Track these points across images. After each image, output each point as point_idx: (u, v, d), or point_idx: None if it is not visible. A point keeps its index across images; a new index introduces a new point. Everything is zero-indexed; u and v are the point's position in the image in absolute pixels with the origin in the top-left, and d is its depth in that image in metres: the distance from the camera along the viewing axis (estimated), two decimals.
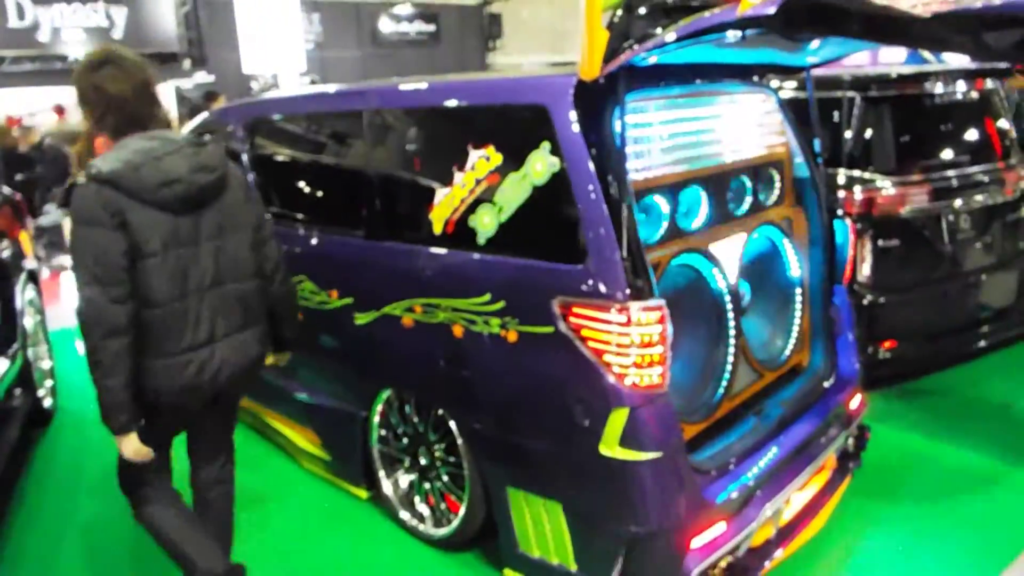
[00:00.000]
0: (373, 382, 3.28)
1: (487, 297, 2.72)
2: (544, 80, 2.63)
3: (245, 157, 3.88)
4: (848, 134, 4.36)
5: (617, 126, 2.45)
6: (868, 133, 4.37)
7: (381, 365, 3.23)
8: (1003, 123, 4.91)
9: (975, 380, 4.52)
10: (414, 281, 2.99)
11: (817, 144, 3.47)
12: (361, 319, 3.24)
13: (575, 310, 2.46)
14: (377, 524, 3.36)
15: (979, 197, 4.61)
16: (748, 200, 3.24)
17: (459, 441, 2.94)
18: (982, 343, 4.75)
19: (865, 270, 4.27)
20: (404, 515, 3.28)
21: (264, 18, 11.57)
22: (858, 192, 4.26)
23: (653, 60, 2.46)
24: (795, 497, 3.09)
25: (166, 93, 12.06)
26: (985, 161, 4.74)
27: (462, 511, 3.02)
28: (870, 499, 3.37)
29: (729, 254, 3.10)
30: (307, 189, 3.69)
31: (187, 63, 12.57)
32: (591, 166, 2.43)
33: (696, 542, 2.52)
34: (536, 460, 2.70)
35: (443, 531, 3.13)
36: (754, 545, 2.82)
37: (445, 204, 2.85)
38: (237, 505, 2.80)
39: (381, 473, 3.37)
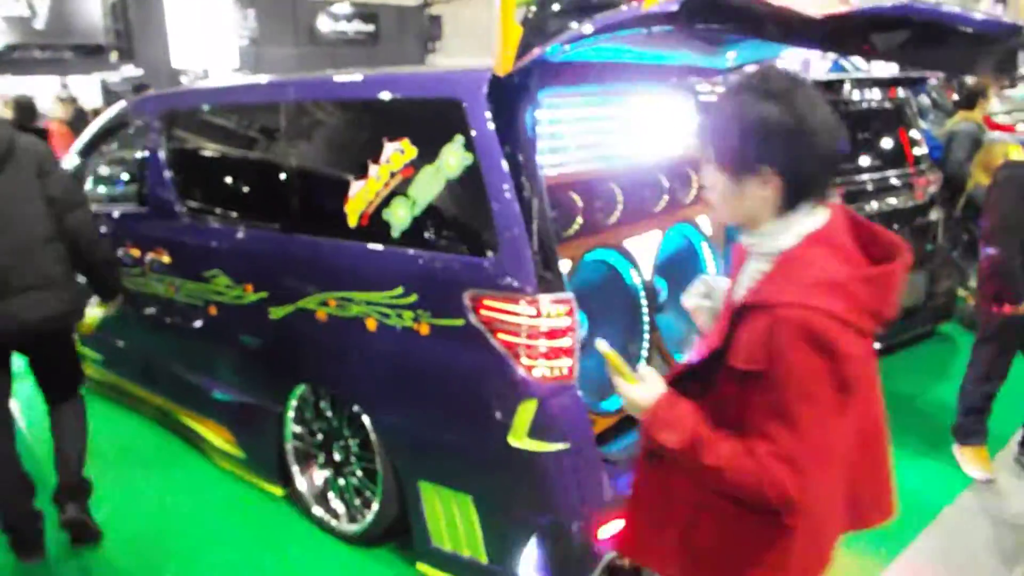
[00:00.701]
0: (288, 377, 3.23)
1: (400, 290, 2.71)
2: (459, 75, 2.64)
3: (161, 149, 3.78)
4: None
5: (530, 122, 2.48)
6: None
7: (296, 360, 3.18)
8: (914, 131, 5.13)
9: (883, 376, 4.68)
10: (328, 275, 2.96)
11: None
12: (276, 313, 3.18)
13: (485, 302, 2.47)
14: (292, 521, 3.30)
15: (890, 201, 4.81)
16: (664, 198, 3.30)
17: (372, 436, 2.92)
18: (887, 342, 4.94)
19: None
20: (318, 511, 3.24)
21: (195, 12, 11.30)
22: None
23: (565, 57, 2.49)
24: None
25: (90, 86, 11.68)
26: (896, 167, 4.95)
27: (375, 506, 2.99)
28: None
29: (644, 251, 3.16)
30: (222, 182, 3.61)
31: (114, 56, 12.18)
32: (503, 161, 2.44)
33: (605, 532, 2.55)
34: (447, 453, 2.70)
35: (357, 527, 3.09)
36: None
37: (360, 197, 2.83)
38: (146, 503, 2.75)
39: (295, 469, 3.32)
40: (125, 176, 4.31)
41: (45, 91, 11.07)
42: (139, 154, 3.95)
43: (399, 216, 2.72)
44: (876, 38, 1.98)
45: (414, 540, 2.89)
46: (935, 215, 5.11)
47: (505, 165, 2.44)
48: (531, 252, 2.40)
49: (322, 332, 3.00)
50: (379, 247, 2.78)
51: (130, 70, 12.15)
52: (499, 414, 2.48)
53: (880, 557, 2.98)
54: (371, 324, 2.82)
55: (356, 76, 2.98)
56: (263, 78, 3.48)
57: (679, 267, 3.51)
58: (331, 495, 3.24)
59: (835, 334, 1.31)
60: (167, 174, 3.73)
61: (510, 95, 2.48)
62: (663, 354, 3.24)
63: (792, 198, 1.41)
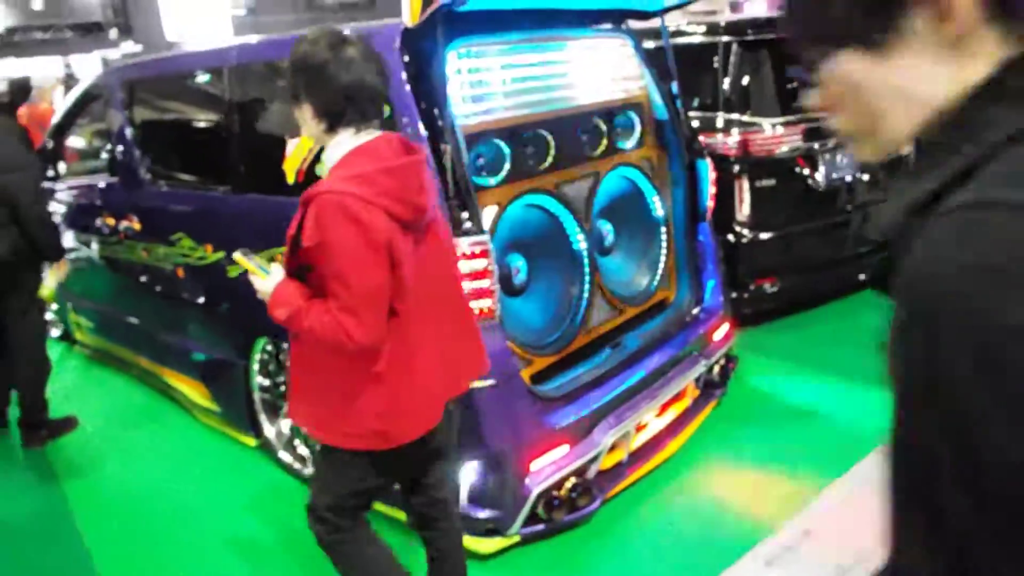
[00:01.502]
0: (249, 332, 3.38)
1: None
2: (374, 28, 2.71)
3: (124, 118, 3.92)
4: (725, 79, 4.49)
5: (443, 71, 2.56)
6: (744, 77, 4.51)
7: (254, 314, 3.30)
8: None
9: (851, 311, 4.75)
10: (275, 231, 3.06)
11: (675, 87, 3.60)
12: (233, 271, 3.32)
13: None
14: (264, 469, 3.49)
15: None
16: (604, 142, 3.36)
17: None
18: (861, 276, 4.98)
19: (744, 210, 4.44)
20: (286, 457, 3.42)
21: None
22: (735, 135, 4.41)
23: (475, 5, 2.56)
24: (653, 422, 3.29)
25: (92, 64, 11.85)
26: None
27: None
28: (731, 422, 3.57)
29: (582, 194, 3.24)
30: (179, 147, 3.75)
31: (113, 32, 12.32)
32: (416, 111, 2.53)
33: (536, 464, 2.69)
34: None
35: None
36: (604, 468, 3.00)
37: (295, 155, 2.94)
38: (137, 460, 3.05)
39: (263, 419, 3.49)
40: (99, 147, 4.47)
41: (49, 72, 11.27)
42: (107, 125, 4.10)
43: (326, 171, 2.82)
44: None
45: None
46: (904, 148, 5.07)
47: (418, 115, 2.53)
48: (447, 198, 2.50)
49: None
50: None
51: (129, 46, 12.29)
52: None
53: (816, 482, 3.08)
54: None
55: (285, 36, 3.06)
56: (211, 44, 3.57)
57: (625, 210, 3.58)
58: (297, 442, 3.41)
59: (358, 208, 1.75)
60: (130, 142, 3.87)
61: (421, 46, 2.56)
62: (605, 295, 3.34)
63: (331, 123, 1.88)
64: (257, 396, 3.48)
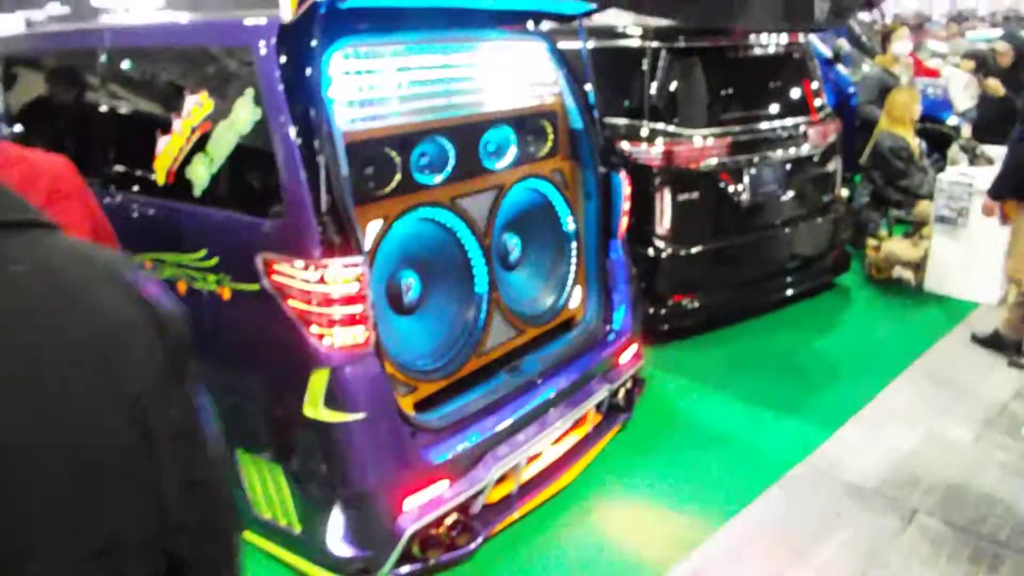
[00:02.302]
0: None
1: (203, 252, 2.58)
2: (252, 22, 2.46)
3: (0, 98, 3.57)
4: (652, 86, 4.34)
5: (322, 73, 2.33)
6: (672, 85, 4.37)
7: None
8: (814, 79, 4.99)
9: (769, 330, 4.68)
10: (144, 234, 2.82)
11: (592, 95, 3.43)
12: None
13: (275, 267, 2.36)
14: None
15: (782, 152, 4.71)
16: (512, 152, 3.17)
17: None
18: (783, 294, 4.92)
19: (665, 223, 4.32)
20: None
21: None
22: (659, 145, 4.26)
23: (359, 3, 2.33)
24: (549, 451, 3.13)
25: (15, 24, 11.14)
26: (792, 115, 4.83)
27: None
28: (633, 449, 3.44)
29: (483, 208, 3.04)
30: (52, 134, 3.41)
31: None
32: (288, 116, 2.30)
33: (410, 502, 2.51)
34: (255, 423, 2.62)
35: None
36: (491, 501, 2.84)
37: (166, 153, 2.68)
38: None
39: None
40: None
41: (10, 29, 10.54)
42: None
43: (199, 174, 2.57)
44: None
45: (239, 508, 2.83)
46: (833, 165, 5.02)
47: (290, 120, 2.29)
48: (316, 214, 2.28)
49: None
50: (183, 207, 2.64)
51: (55, 8, 11.61)
52: (294, 384, 2.40)
53: (713, 517, 2.97)
54: (182, 287, 2.69)
55: (162, 22, 2.79)
56: (90, 24, 3.26)
57: (534, 224, 3.40)
58: None
59: None
60: (3, 123, 3.53)
61: (299, 44, 2.32)
62: (506, 314, 3.15)
63: None
64: None
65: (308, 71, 2.31)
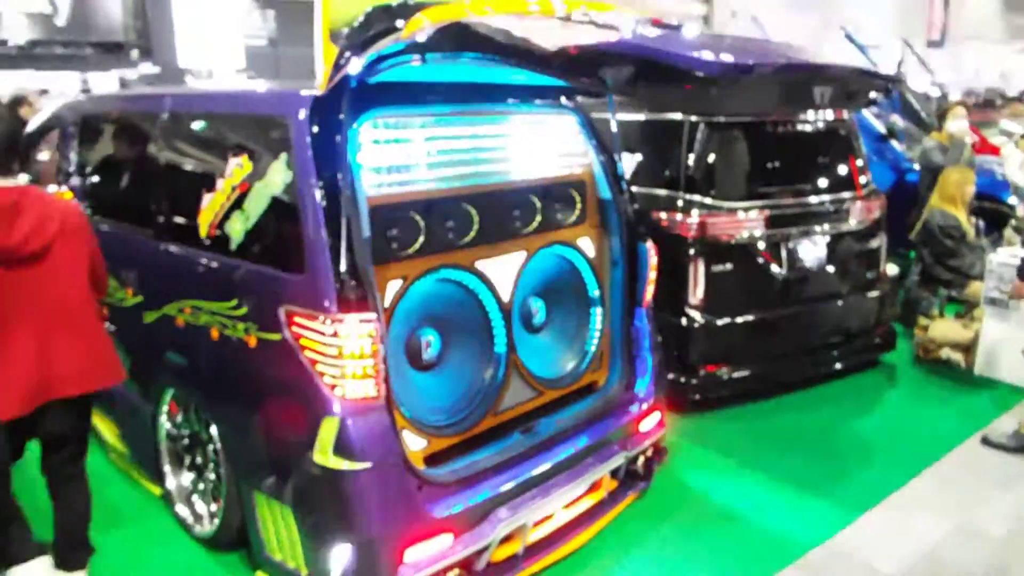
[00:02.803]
0: (159, 380, 3.31)
1: (234, 302, 2.77)
2: (289, 93, 2.68)
3: (74, 153, 3.92)
4: (690, 158, 4.43)
5: (349, 142, 2.51)
6: (710, 158, 4.44)
7: (163, 363, 3.26)
8: (859, 154, 5.00)
9: (805, 406, 4.59)
10: (185, 283, 3.04)
11: (620, 167, 3.54)
12: (148, 317, 3.27)
13: (295, 319, 2.51)
14: (161, 520, 3.38)
15: (823, 226, 4.70)
16: (537, 219, 3.28)
17: (215, 443, 2.98)
18: (821, 370, 4.84)
19: (698, 293, 4.34)
20: (181, 511, 3.31)
21: (204, 12, 11.62)
22: (694, 216, 4.32)
23: (384, 78, 2.51)
24: (560, 513, 3.15)
25: (110, 82, 12.08)
26: (834, 190, 4.83)
27: (219, 512, 3.05)
28: (649, 520, 3.42)
29: (505, 272, 3.15)
30: (113, 187, 3.72)
31: (134, 53, 12.59)
32: (314, 179, 2.48)
33: (412, 553, 2.57)
34: (271, 465, 2.75)
35: (208, 530, 3.16)
36: (496, 560, 2.87)
37: (209, 209, 2.90)
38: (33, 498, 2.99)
39: (167, 469, 3.39)
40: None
41: (66, 87, 11.50)
42: (60, 154, 4.10)
43: (236, 229, 2.77)
44: (606, 72, 1.97)
45: (252, 547, 2.94)
46: (877, 242, 4.97)
47: (315, 183, 2.47)
48: (334, 271, 2.42)
49: (180, 338, 3.08)
50: (221, 259, 2.84)
51: (148, 67, 12.54)
52: (305, 430, 2.52)
53: None
54: (215, 333, 2.88)
55: (209, 90, 3.05)
56: (152, 89, 3.57)
57: (560, 289, 3.49)
58: (195, 498, 3.30)
59: None
60: (76, 178, 3.86)
61: (330, 115, 2.51)
62: (524, 375, 3.22)
63: None
64: (163, 445, 3.39)
65: (336, 139, 2.49)
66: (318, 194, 2.47)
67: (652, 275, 3.61)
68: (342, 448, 2.47)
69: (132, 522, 3.40)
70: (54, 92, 9.91)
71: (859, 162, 4.97)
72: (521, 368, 3.22)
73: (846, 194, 4.85)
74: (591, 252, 3.53)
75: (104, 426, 3.87)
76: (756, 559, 3.15)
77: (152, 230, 3.26)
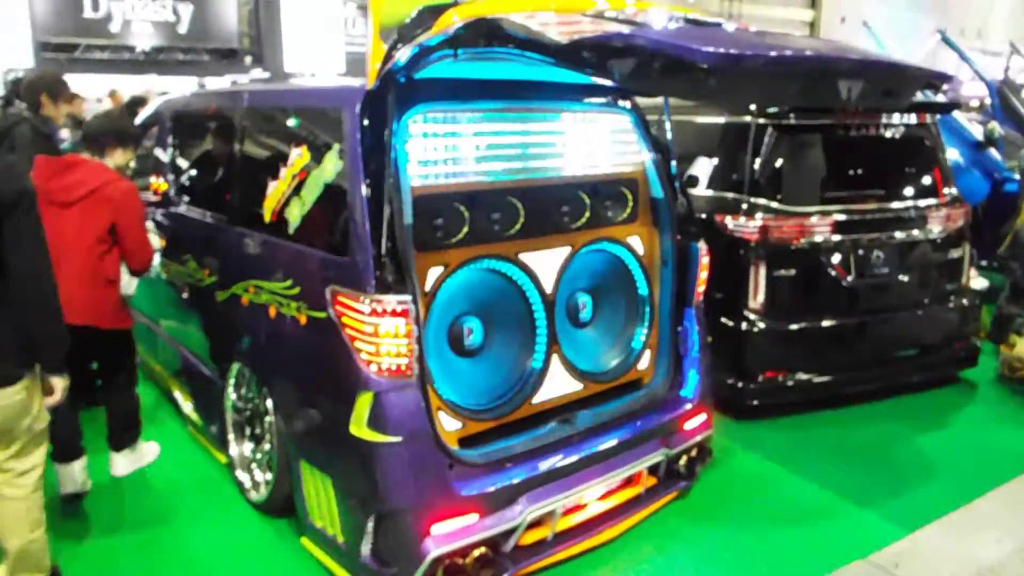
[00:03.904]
0: (227, 355, 3.56)
1: (289, 282, 2.97)
2: (344, 88, 2.86)
3: (168, 146, 4.27)
4: (756, 161, 4.37)
5: (396, 133, 2.66)
6: (778, 162, 4.37)
7: (231, 339, 3.51)
8: (941, 160, 4.79)
9: (870, 418, 4.43)
10: (250, 264, 3.28)
11: (674, 167, 3.56)
12: (220, 296, 3.53)
13: (339, 298, 2.68)
14: (224, 486, 3.63)
15: (897, 234, 4.53)
16: (585, 215, 3.35)
17: (269, 415, 3.19)
18: (892, 382, 4.66)
19: (759, 297, 4.28)
20: (240, 476, 3.54)
21: (310, 20, 12.23)
22: (757, 219, 4.27)
23: (429, 73, 2.65)
24: (593, 505, 3.20)
25: (223, 85, 12.89)
26: (912, 198, 4.65)
27: (271, 480, 3.26)
28: (688, 519, 3.41)
29: (549, 265, 3.23)
30: (199, 176, 4.03)
31: (248, 59, 13.38)
32: (361, 168, 2.64)
33: (438, 528, 2.68)
34: (315, 436, 2.93)
35: (261, 496, 3.38)
36: (524, 543, 2.94)
37: (273, 196, 3.12)
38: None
39: (231, 439, 3.64)
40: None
41: (185, 90, 12.30)
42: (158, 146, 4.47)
43: (294, 214, 2.97)
44: (613, 64, 2.01)
45: (298, 514, 3.13)
46: (959, 252, 4.75)
47: (364, 173, 2.63)
48: (374, 254, 2.57)
49: (245, 316, 3.32)
50: (280, 242, 3.05)
51: (259, 73, 13.32)
52: (344, 403, 2.67)
53: None
54: (272, 312, 3.09)
55: (275, 86, 3.28)
56: (233, 87, 3.85)
57: (609, 285, 3.54)
58: (253, 466, 3.54)
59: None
60: (167, 165, 4.20)
61: (379, 108, 2.67)
62: (567, 367, 3.29)
63: None
64: (229, 416, 3.64)
65: (385, 132, 2.64)
66: (364, 182, 2.63)
67: (703, 275, 3.60)
68: (375, 422, 2.61)
69: (201, 486, 3.67)
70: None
71: (942, 169, 4.77)
72: (563, 360, 3.28)
73: (925, 202, 4.66)
74: (641, 250, 3.56)
75: (183, 397, 4.19)
76: (791, 566, 3.10)
77: (227, 215, 3.53)
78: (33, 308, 2.40)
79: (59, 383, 2.55)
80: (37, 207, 2.37)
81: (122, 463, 3.75)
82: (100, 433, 3.75)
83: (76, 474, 3.44)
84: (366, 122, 2.70)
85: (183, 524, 3.38)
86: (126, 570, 3.08)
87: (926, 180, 4.74)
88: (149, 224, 3.84)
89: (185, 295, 3.95)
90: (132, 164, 4.89)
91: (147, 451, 3.87)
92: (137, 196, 3.47)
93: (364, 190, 2.62)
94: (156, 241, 3.80)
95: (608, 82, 3.37)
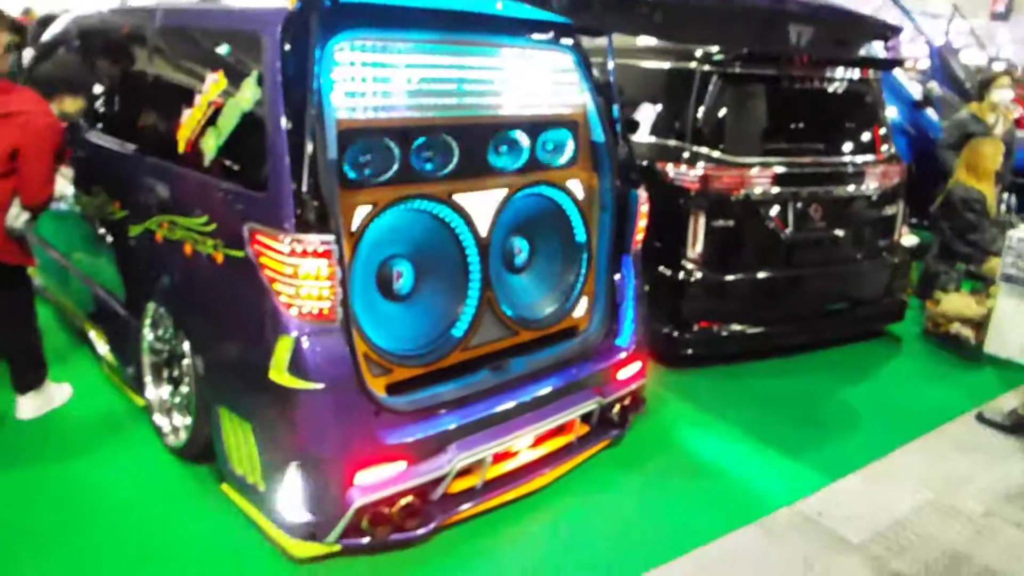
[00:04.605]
0: (142, 294, 3.36)
1: (205, 218, 2.78)
2: (263, 10, 2.64)
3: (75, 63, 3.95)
4: (700, 110, 4.29)
5: (320, 61, 2.46)
6: (721, 112, 4.30)
7: (146, 278, 3.31)
8: (881, 118, 4.80)
9: (798, 370, 4.51)
10: (164, 198, 3.07)
11: (616, 110, 3.45)
12: (133, 231, 3.32)
13: (257, 237, 2.52)
14: (141, 430, 3.47)
15: (835, 189, 4.55)
16: (524, 157, 3.22)
17: (188, 358, 3.03)
18: (821, 335, 4.74)
19: (697, 247, 4.25)
20: (159, 420, 3.38)
21: None
22: (698, 169, 4.21)
23: None
24: (524, 452, 3.16)
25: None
26: (851, 153, 4.66)
27: (189, 424, 3.12)
28: (618, 467, 3.41)
29: (485, 207, 3.11)
30: (109, 102, 3.74)
31: None
32: (281, 97, 2.46)
33: (362, 477, 2.60)
34: (234, 381, 2.79)
35: (179, 441, 3.24)
36: (452, 491, 2.89)
37: (187, 124, 2.90)
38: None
39: (148, 380, 3.46)
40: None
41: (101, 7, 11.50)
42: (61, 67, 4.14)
43: (209, 145, 2.77)
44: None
45: (218, 460, 3.01)
46: (893, 209, 4.81)
47: (281, 102, 2.45)
48: (294, 191, 2.41)
49: (159, 253, 3.12)
50: (195, 175, 2.85)
51: None
52: (264, 348, 2.54)
53: (681, 545, 2.89)
54: (188, 249, 2.90)
55: (193, 6, 3.03)
56: (145, 4, 3.55)
57: (545, 230, 3.44)
58: (172, 410, 3.38)
59: None
60: (77, 89, 3.89)
61: (303, 34, 2.47)
62: (498, 314, 3.20)
63: None
64: (146, 358, 3.45)
65: (307, 58, 2.45)
66: (283, 113, 2.44)
67: (642, 223, 3.54)
68: (296, 367, 2.49)
69: (115, 430, 3.50)
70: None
71: (881, 126, 4.78)
72: (496, 306, 3.19)
73: (863, 158, 4.67)
74: (580, 195, 3.47)
75: (98, 337, 3.97)
76: (718, 514, 3.12)
77: (137, 144, 3.29)
78: None
79: None
80: None
81: (28, 405, 3.54)
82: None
83: None
84: (287, 47, 2.50)
85: (96, 468, 3.22)
86: (33, 514, 2.92)
87: (866, 136, 4.74)
88: (67, 170, 3.59)
89: (97, 230, 3.70)
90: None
91: (56, 393, 3.67)
92: (53, 135, 3.23)
93: (284, 121, 2.44)
94: (65, 187, 3.57)
95: (547, 16, 3.23)
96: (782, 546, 2.96)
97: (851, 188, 4.60)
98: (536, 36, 3.25)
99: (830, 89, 4.60)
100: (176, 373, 3.27)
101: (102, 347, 3.93)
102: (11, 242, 3.28)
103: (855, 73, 4.65)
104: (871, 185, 4.66)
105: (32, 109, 3.18)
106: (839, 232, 4.58)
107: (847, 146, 4.66)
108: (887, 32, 2.58)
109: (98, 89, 3.84)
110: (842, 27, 2.39)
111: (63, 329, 4.53)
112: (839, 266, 4.66)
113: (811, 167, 4.48)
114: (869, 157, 4.70)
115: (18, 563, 2.66)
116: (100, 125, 3.73)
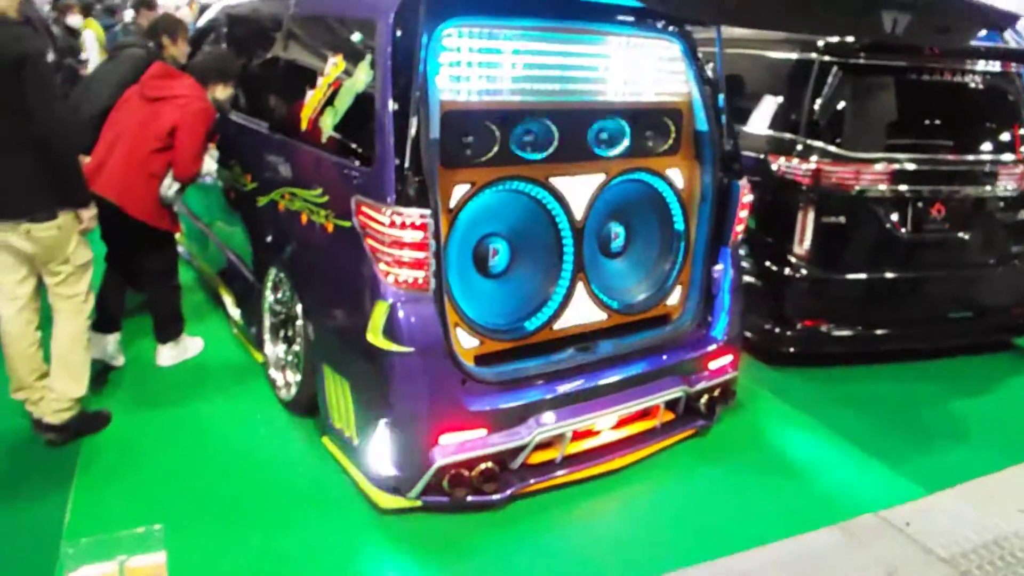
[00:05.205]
0: (265, 259, 3.68)
1: (320, 191, 3.02)
2: None
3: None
4: (816, 102, 4.17)
5: (429, 45, 2.63)
6: (839, 104, 4.16)
7: (268, 245, 3.62)
8: (1022, 114, 4.48)
9: (909, 377, 4.30)
10: (287, 172, 3.35)
11: (722, 100, 3.43)
12: (260, 202, 3.63)
13: (362, 208, 2.72)
14: (259, 384, 3.81)
15: (964, 189, 4.30)
16: (624, 143, 3.28)
17: (299, 319, 3.30)
18: (940, 343, 4.50)
19: (805, 243, 4.15)
20: (273, 375, 3.70)
21: None
22: (810, 163, 4.10)
23: None
24: (606, 433, 3.23)
25: None
26: (986, 152, 4.39)
27: (299, 380, 3.40)
28: (700, 457, 3.40)
29: (581, 191, 3.19)
30: (249, 83, 4.07)
31: None
32: (389, 80, 2.64)
33: (446, 439, 2.76)
34: (337, 341, 3.02)
35: (289, 396, 3.53)
36: (531, 462, 3.01)
37: (309, 104, 3.15)
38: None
39: (267, 339, 3.79)
40: None
41: None
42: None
43: (327, 124, 3.01)
44: None
45: (320, 415, 3.27)
46: None
47: (392, 84, 2.63)
48: (396, 167, 2.59)
49: (281, 222, 3.41)
50: (313, 150, 3.10)
51: None
52: (364, 312, 2.75)
53: (756, 539, 2.88)
54: (304, 219, 3.17)
55: None
56: None
57: (644, 216, 3.48)
58: (285, 366, 3.68)
59: None
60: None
61: (415, 20, 2.64)
62: (592, 296, 3.28)
63: None
64: (266, 318, 3.78)
65: (415, 44, 2.61)
66: (391, 94, 2.62)
67: (743, 215, 3.51)
68: (390, 331, 2.68)
69: (238, 381, 3.86)
70: None
71: (1023, 125, 4.46)
72: (588, 289, 3.27)
73: (999, 157, 4.38)
74: (680, 184, 3.48)
75: (228, 299, 4.36)
76: (799, 514, 3.07)
77: (268, 123, 3.59)
78: (50, 144, 2.88)
79: (85, 214, 3.09)
80: (43, 66, 2.84)
81: (166, 354, 3.97)
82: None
83: (108, 346, 3.87)
84: (399, 32, 2.68)
85: (220, 414, 3.58)
86: (158, 439, 3.33)
87: (1004, 134, 4.44)
88: (214, 151, 4.03)
89: (232, 200, 4.07)
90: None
91: (191, 345, 4.08)
92: (207, 118, 3.72)
93: (391, 102, 2.62)
94: (211, 165, 4.01)
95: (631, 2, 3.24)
96: (863, 551, 2.89)
97: (982, 188, 4.33)
98: (642, 24, 3.28)
99: (962, 82, 4.34)
100: (290, 333, 3.56)
101: (232, 307, 4.32)
102: (163, 209, 3.70)
103: (994, 66, 4.37)
104: (1007, 186, 4.37)
105: (190, 94, 3.67)
106: (964, 235, 4.32)
107: (980, 144, 4.38)
108: (1000, 21, 2.42)
109: (241, 74, 4.21)
110: (944, 14, 2.27)
111: (200, 291, 5.00)
112: (964, 271, 4.40)
113: (937, 165, 4.25)
114: (1006, 156, 4.40)
115: (153, 486, 3.03)
116: (239, 105, 4.09)
